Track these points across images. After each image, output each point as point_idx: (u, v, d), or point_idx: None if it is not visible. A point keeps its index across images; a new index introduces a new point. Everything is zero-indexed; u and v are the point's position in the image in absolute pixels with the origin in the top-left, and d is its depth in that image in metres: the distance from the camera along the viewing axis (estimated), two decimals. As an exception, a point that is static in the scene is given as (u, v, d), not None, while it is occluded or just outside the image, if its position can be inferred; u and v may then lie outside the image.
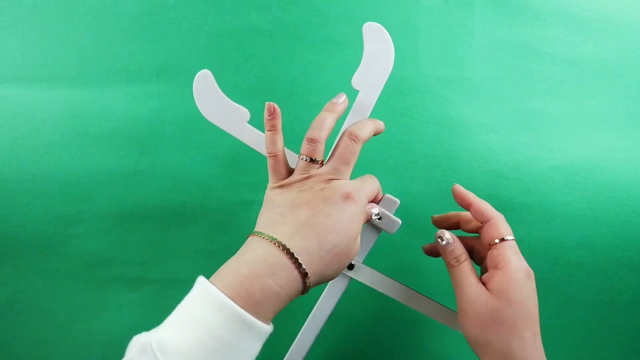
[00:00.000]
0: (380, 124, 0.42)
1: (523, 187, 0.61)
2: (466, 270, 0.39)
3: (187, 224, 0.60)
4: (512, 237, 0.39)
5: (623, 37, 0.60)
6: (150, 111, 0.58)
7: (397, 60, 0.61)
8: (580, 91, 0.60)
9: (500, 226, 0.39)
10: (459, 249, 0.40)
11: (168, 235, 0.60)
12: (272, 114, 0.38)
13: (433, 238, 0.62)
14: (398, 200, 0.42)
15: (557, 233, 0.61)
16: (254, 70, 0.59)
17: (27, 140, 0.58)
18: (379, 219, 0.41)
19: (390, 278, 0.45)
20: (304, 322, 0.45)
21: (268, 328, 0.32)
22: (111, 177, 0.59)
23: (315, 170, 0.37)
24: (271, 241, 0.33)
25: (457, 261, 0.40)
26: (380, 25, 0.40)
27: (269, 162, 0.39)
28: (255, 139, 0.43)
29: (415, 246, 0.62)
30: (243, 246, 0.35)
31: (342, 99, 0.41)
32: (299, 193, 0.36)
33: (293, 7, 0.58)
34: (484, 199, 0.61)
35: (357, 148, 0.38)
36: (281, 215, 0.35)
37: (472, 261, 0.41)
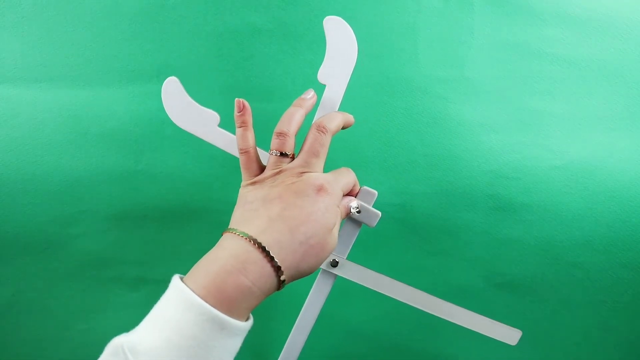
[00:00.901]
0: (349, 117, 0.42)
1: (523, 187, 0.61)
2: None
3: (187, 224, 0.60)
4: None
5: (623, 37, 0.60)
6: (150, 111, 0.58)
7: (397, 60, 0.61)
8: (580, 91, 0.60)
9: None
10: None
11: (168, 235, 0.60)
12: (242, 110, 0.38)
13: (433, 237, 0.62)
14: (376, 192, 0.42)
15: (557, 233, 0.61)
16: (254, 70, 0.59)
17: (27, 140, 0.58)
18: (358, 212, 0.41)
19: (376, 272, 0.45)
20: (294, 322, 0.45)
21: (244, 324, 0.32)
22: (111, 177, 0.59)
23: (286, 164, 0.37)
24: (242, 236, 0.33)
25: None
26: (340, 19, 0.40)
27: (241, 159, 0.39)
28: (227, 142, 0.43)
29: (415, 246, 0.62)
30: (216, 244, 0.35)
31: (310, 94, 0.41)
32: (271, 188, 0.36)
33: (293, 7, 0.58)
34: (484, 199, 0.62)
35: (326, 140, 0.38)
36: (254, 211, 0.35)
37: None
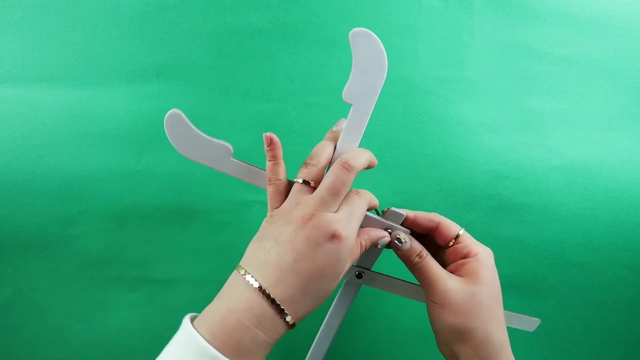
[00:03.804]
0: (373, 157, 0.40)
1: (523, 187, 0.61)
2: (432, 262, 0.40)
3: (187, 224, 0.60)
4: (463, 229, 0.42)
5: (623, 37, 0.60)
6: (150, 111, 0.58)
7: (397, 60, 0.61)
8: (580, 91, 0.60)
9: (450, 224, 0.41)
10: (418, 246, 0.41)
11: (168, 235, 0.60)
12: (270, 144, 0.37)
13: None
14: (404, 213, 0.40)
15: (557, 233, 0.61)
16: (254, 70, 0.59)
17: (27, 141, 0.58)
18: (383, 246, 0.40)
19: (399, 279, 0.45)
20: (317, 327, 0.45)
21: None
22: (111, 177, 0.59)
23: (304, 196, 0.36)
24: (257, 288, 0.32)
25: (420, 257, 0.40)
26: (369, 31, 0.35)
27: (268, 189, 0.38)
28: (244, 172, 0.40)
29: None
30: (229, 283, 0.35)
31: (341, 126, 0.39)
32: (284, 225, 0.35)
33: (293, 7, 0.58)
34: (484, 199, 0.62)
35: (350, 178, 0.36)
36: (266, 252, 0.34)
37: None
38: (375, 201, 0.40)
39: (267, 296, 0.32)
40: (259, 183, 0.40)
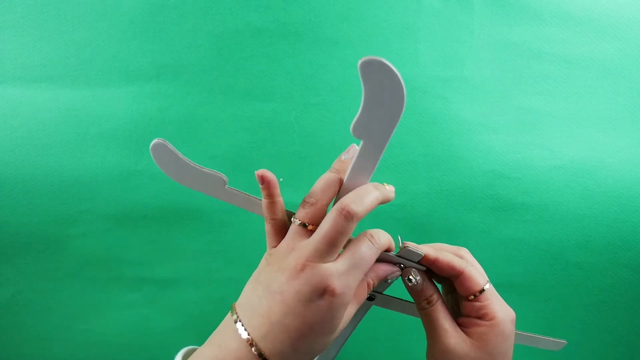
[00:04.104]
0: (387, 192, 0.34)
1: (523, 187, 0.61)
2: (440, 313, 0.36)
3: (187, 224, 0.60)
4: (489, 282, 0.37)
5: (623, 37, 0.60)
6: (150, 111, 0.58)
7: (397, 60, 0.61)
8: (580, 91, 0.60)
9: (474, 277, 0.36)
10: (430, 289, 0.37)
11: (168, 235, 0.60)
12: (263, 183, 0.34)
13: (433, 237, 0.61)
14: (422, 253, 0.37)
15: (557, 233, 0.61)
16: (254, 70, 0.59)
17: (27, 141, 0.58)
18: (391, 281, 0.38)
19: (413, 302, 0.44)
20: None
21: None
22: (111, 177, 0.59)
23: (300, 242, 0.33)
24: (245, 339, 0.31)
25: (429, 302, 0.37)
26: (382, 60, 0.29)
27: (265, 227, 0.36)
28: (241, 201, 0.37)
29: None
30: (222, 327, 0.33)
31: (350, 154, 0.35)
32: (277, 272, 0.32)
33: (293, 7, 0.58)
34: (484, 199, 0.62)
35: (350, 228, 0.31)
36: (258, 300, 0.32)
37: (444, 301, 0.38)
38: (391, 245, 0.36)
39: (257, 350, 0.30)
40: (256, 212, 0.38)
